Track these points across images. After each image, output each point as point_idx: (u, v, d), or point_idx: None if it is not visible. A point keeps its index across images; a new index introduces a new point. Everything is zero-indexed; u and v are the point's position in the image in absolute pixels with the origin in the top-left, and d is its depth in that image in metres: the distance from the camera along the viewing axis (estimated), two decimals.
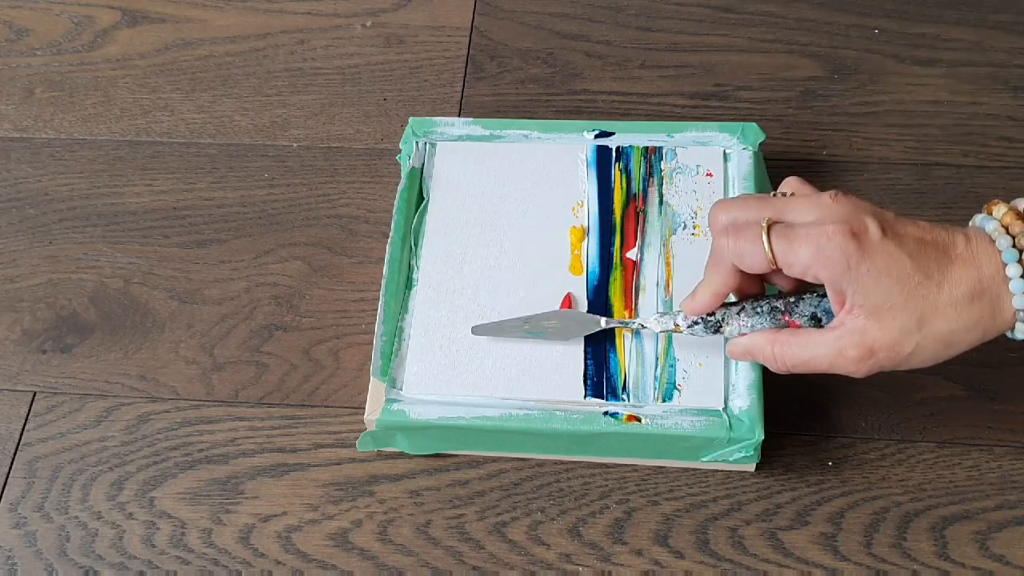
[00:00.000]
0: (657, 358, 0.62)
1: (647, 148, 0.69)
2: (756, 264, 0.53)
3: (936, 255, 0.51)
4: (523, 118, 0.75)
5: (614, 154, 0.69)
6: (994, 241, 0.52)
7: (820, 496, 0.61)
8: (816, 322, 0.56)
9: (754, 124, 0.69)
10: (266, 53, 0.81)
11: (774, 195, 0.56)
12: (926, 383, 0.64)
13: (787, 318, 0.56)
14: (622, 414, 0.60)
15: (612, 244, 0.66)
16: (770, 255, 0.52)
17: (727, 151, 0.69)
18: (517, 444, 0.62)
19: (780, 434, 0.63)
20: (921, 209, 0.71)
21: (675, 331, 0.59)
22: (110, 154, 0.77)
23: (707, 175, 0.68)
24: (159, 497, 0.63)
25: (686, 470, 0.62)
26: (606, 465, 0.63)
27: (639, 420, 0.60)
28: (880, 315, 0.51)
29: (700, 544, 0.60)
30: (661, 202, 0.67)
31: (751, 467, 0.62)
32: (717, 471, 0.62)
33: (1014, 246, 0.51)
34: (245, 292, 0.70)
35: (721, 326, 0.57)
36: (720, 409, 0.60)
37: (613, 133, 0.70)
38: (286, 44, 0.82)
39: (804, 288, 0.56)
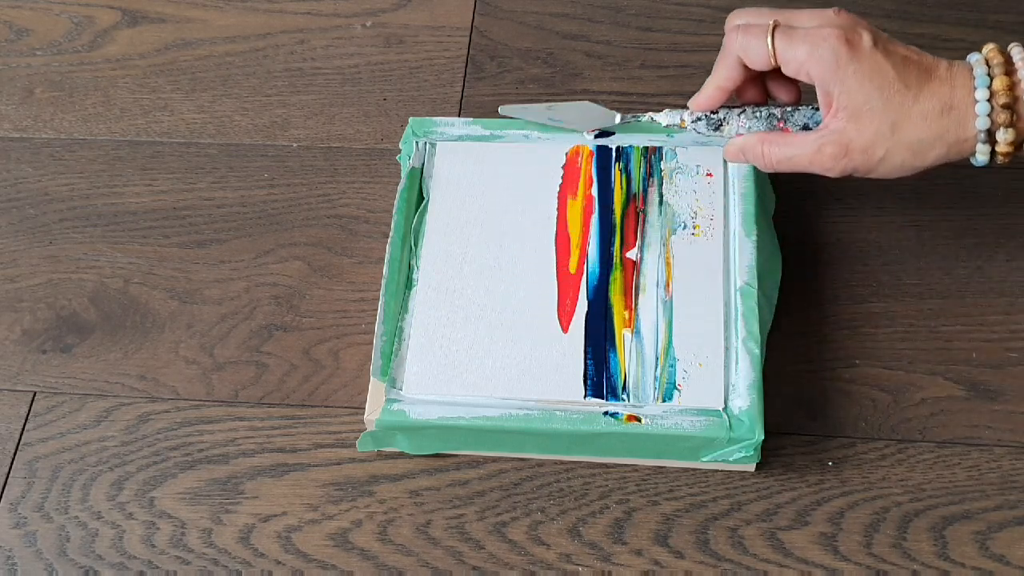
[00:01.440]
0: (657, 358, 0.62)
1: (647, 148, 0.69)
2: (758, 58, 0.59)
3: (918, 72, 0.57)
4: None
5: (614, 154, 0.69)
6: (972, 69, 0.57)
7: (820, 496, 0.61)
8: (806, 131, 0.61)
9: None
10: (266, 53, 0.81)
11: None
12: (926, 383, 0.65)
13: (782, 124, 0.62)
14: (622, 414, 0.60)
15: (612, 244, 0.66)
16: (771, 51, 0.58)
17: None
18: (517, 444, 0.62)
19: (780, 434, 0.63)
20: (921, 210, 0.71)
21: (680, 126, 0.64)
22: (110, 154, 0.77)
23: (707, 175, 0.68)
24: (159, 497, 0.63)
25: (686, 470, 0.62)
26: (606, 465, 0.63)
27: (639, 420, 0.60)
28: (859, 117, 0.57)
29: (700, 544, 0.60)
30: (661, 202, 0.67)
31: (751, 467, 0.62)
32: (717, 471, 0.62)
33: (988, 74, 0.56)
34: (245, 292, 0.70)
35: (722, 125, 0.63)
36: (720, 409, 0.60)
37: (613, 133, 0.70)
38: (286, 44, 0.82)
39: (804, 104, 0.62)
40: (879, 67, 0.56)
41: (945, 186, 0.72)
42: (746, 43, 0.59)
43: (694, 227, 0.66)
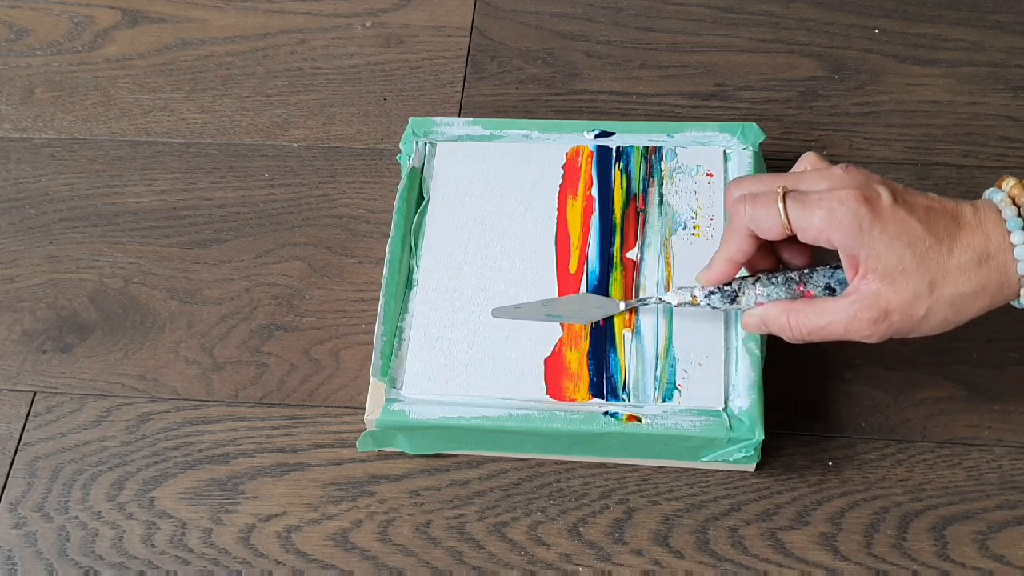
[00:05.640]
0: (657, 358, 0.62)
1: (647, 148, 0.69)
2: (771, 228, 0.55)
3: (945, 222, 0.53)
4: (523, 118, 0.75)
5: (614, 154, 0.69)
6: (1000, 211, 0.53)
7: (820, 496, 0.61)
8: (830, 292, 0.57)
9: (754, 124, 0.69)
10: (266, 53, 0.81)
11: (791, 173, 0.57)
12: (926, 383, 0.65)
13: (802, 288, 0.57)
14: (622, 414, 0.60)
15: (612, 244, 0.66)
16: (785, 220, 0.54)
17: (727, 151, 0.69)
18: (517, 444, 0.62)
19: (780, 434, 0.63)
20: None
21: (692, 303, 0.59)
22: (110, 154, 0.77)
23: (707, 175, 0.68)
24: (159, 497, 0.63)
25: (686, 470, 0.62)
26: (606, 465, 0.63)
27: (639, 420, 0.60)
28: (893, 278, 0.53)
29: (700, 544, 0.60)
30: (661, 202, 0.67)
31: (751, 467, 0.62)
32: (717, 471, 0.62)
33: (1020, 215, 0.53)
34: (245, 292, 0.70)
35: (738, 296, 0.58)
36: (720, 409, 0.60)
37: (613, 133, 0.70)
38: (286, 44, 0.82)
39: (818, 263, 0.58)
40: (905, 224, 0.52)
41: (945, 186, 0.72)
42: (756, 214, 0.55)
43: (694, 227, 0.66)
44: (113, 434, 0.65)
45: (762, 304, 0.58)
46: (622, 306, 0.63)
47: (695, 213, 0.67)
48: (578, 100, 0.78)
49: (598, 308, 0.63)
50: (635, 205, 0.67)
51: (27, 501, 0.63)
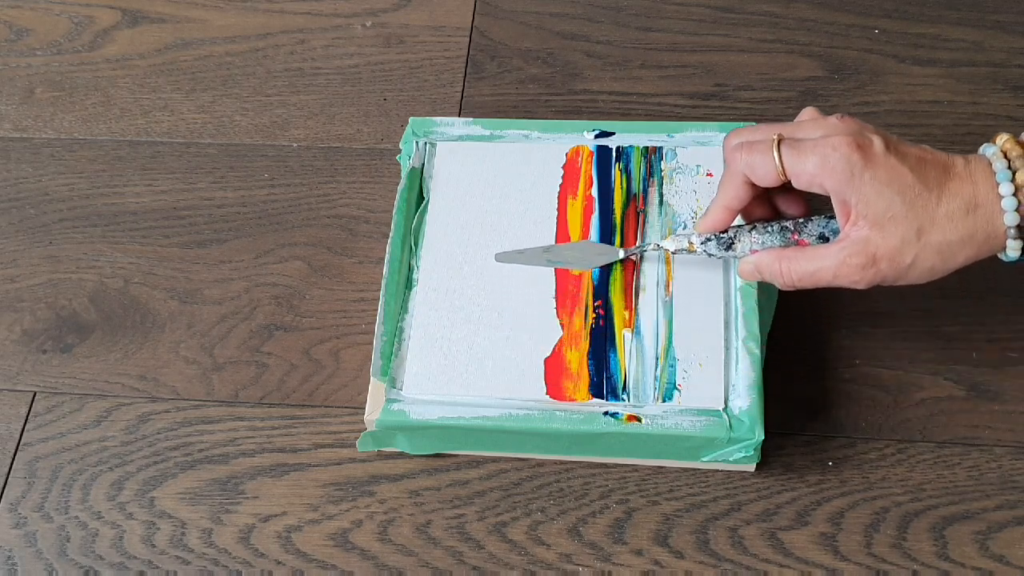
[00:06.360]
0: (657, 358, 0.62)
1: (647, 148, 0.69)
2: (766, 175, 0.56)
3: (936, 172, 0.54)
4: (523, 118, 0.75)
5: (614, 154, 0.69)
6: (991, 163, 0.54)
7: (820, 496, 0.61)
8: (824, 241, 0.58)
9: (754, 124, 0.69)
10: (266, 53, 0.81)
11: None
12: (926, 383, 0.65)
13: (796, 237, 0.59)
14: (622, 414, 0.60)
15: (612, 244, 0.66)
16: (779, 166, 0.55)
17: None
18: (517, 444, 0.62)
19: (780, 434, 0.63)
20: None
21: (689, 250, 0.61)
22: (110, 154, 0.77)
23: (707, 175, 0.68)
24: (159, 497, 0.63)
25: (686, 470, 0.62)
26: (606, 465, 0.63)
27: (639, 420, 0.60)
28: (882, 225, 0.54)
29: (700, 544, 0.60)
30: (661, 202, 0.67)
31: (751, 467, 0.62)
32: (717, 471, 0.62)
33: (1009, 168, 0.54)
34: (245, 292, 0.70)
35: (733, 243, 0.60)
36: (720, 409, 0.60)
37: (613, 133, 0.70)
38: (286, 44, 0.82)
39: (814, 214, 0.59)
40: (896, 171, 0.54)
41: None
42: (751, 161, 0.56)
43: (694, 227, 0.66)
44: (113, 434, 0.65)
45: (757, 252, 0.59)
46: (622, 253, 0.64)
47: (695, 213, 0.67)
48: (578, 100, 0.78)
49: (599, 255, 0.64)
50: (635, 205, 0.67)
51: (27, 501, 0.63)
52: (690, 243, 0.61)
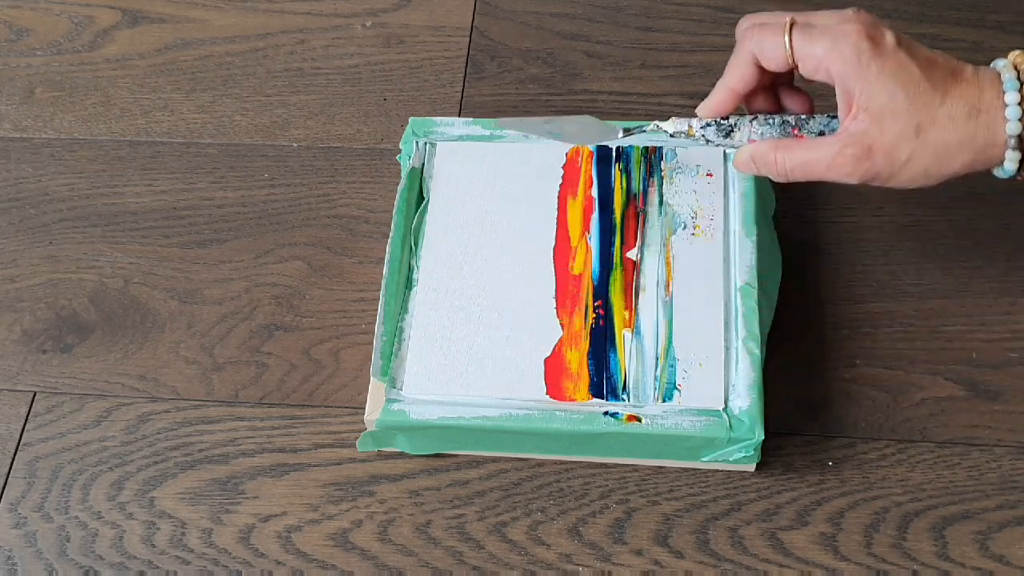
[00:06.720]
0: (657, 358, 0.62)
1: (647, 148, 0.69)
2: (775, 57, 0.56)
3: (943, 73, 0.54)
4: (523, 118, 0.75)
5: (614, 154, 0.69)
6: (1000, 74, 0.54)
7: (820, 496, 0.61)
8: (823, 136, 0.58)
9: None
10: (266, 53, 0.81)
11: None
12: (926, 383, 0.65)
13: (796, 132, 0.59)
14: (622, 414, 0.60)
15: (612, 244, 0.66)
16: (788, 48, 0.55)
17: (727, 151, 0.69)
18: (517, 444, 0.62)
19: (780, 434, 0.63)
20: (921, 209, 0.71)
21: (688, 134, 0.60)
22: (110, 154, 0.77)
23: (707, 175, 0.68)
24: (159, 497, 0.63)
25: (686, 470, 0.62)
26: (606, 465, 0.63)
27: (639, 420, 0.60)
28: (882, 117, 0.54)
29: (700, 544, 0.60)
30: (661, 202, 0.67)
31: (751, 467, 0.62)
32: (717, 471, 0.62)
33: (1018, 79, 0.54)
34: (245, 292, 0.70)
35: (733, 131, 0.59)
36: (720, 409, 0.60)
37: None
38: (286, 44, 0.82)
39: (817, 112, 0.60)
40: (903, 65, 0.54)
41: (946, 186, 0.72)
42: (761, 41, 0.56)
43: (694, 227, 0.66)
44: (113, 434, 0.65)
45: (754, 141, 0.59)
46: (620, 132, 0.64)
47: (695, 213, 0.67)
48: (578, 100, 0.78)
49: (598, 132, 0.64)
50: (635, 205, 0.67)
51: (27, 501, 0.63)
52: (690, 127, 0.60)
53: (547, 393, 0.61)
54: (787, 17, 0.56)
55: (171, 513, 0.62)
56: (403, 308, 0.64)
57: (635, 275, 0.65)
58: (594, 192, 0.68)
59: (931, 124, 0.54)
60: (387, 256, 0.65)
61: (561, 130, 0.65)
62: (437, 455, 0.63)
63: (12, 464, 0.64)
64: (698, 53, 0.79)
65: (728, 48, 0.79)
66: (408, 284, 0.65)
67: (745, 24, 0.59)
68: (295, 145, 0.77)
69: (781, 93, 0.61)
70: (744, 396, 0.60)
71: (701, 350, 0.62)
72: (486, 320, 0.63)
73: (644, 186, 0.68)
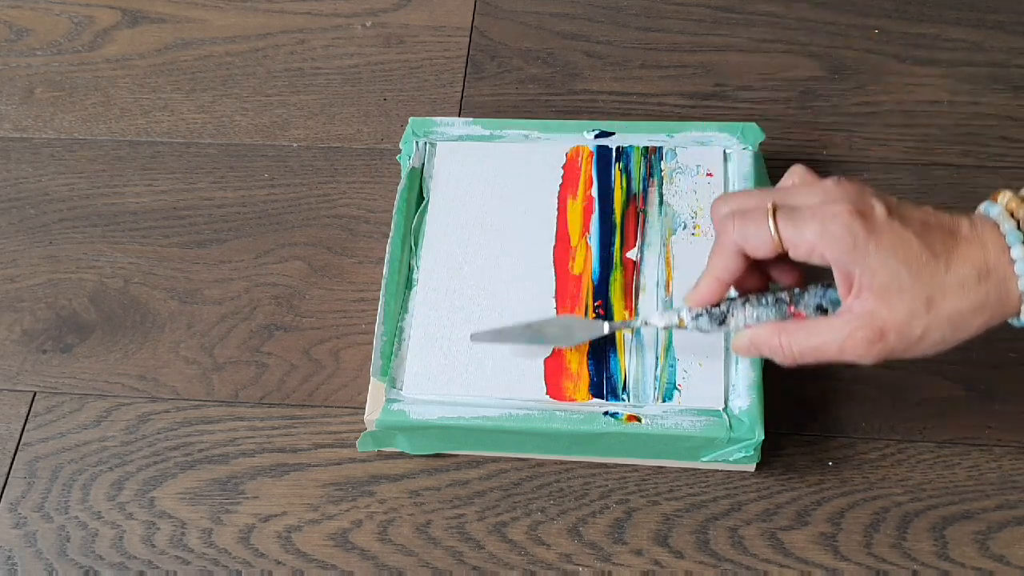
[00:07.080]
0: (657, 358, 0.62)
1: (647, 148, 0.69)
2: (761, 246, 0.52)
3: (941, 236, 0.51)
4: (523, 118, 0.75)
5: (614, 154, 0.69)
6: (998, 225, 0.51)
7: (820, 496, 0.61)
8: (822, 313, 0.55)
9: (754, 124, 0.69)
10: (266, 53, 0.81)
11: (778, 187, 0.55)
12: (926, 383, 0.65)
13: (792, 309, 0.55)
14: (622, 414, 0.60)
15: (612, 244, 0.66)
16: (776, 236, 0.52)
17: (727, 151, 0.69)
18: (517, 444, 0.62)
19: (780, 434, 0.63)
20: None
21: (679, 326, 0.57)
22: (110, 154, 0.77)
23: (707, 175, 0.68)
24: (159, 497, 0.63)
25: (686, 470, 0.62)
26: (606, 465, 0.63)
27: (639, 420, 0.60)
28: (888, 296, 0.50)
29: (700, 544, 0.60)
30: (661, 202, 0.67)
31: (751, 467, 0.62)
32: (717, 471, 0.62)
33: (1019, 228, 0.51)
34: (245, 292, 0.70)
35: (726, 317, 0.56)
36: (720, 409, 0.60)
37: (613, 133, 0.70)
38: (286, 44, 0.82)
39: (808, 283, 0.56)
40: (901, 239, 0.50)
41: (945, 186, 0.72)
42: (745, 231, 0.52)
43: (694, 227, 0.66)
44: (113, 434, 0.65)
45: (751, 326, 0.55)
46: (606, 328, 0.60)
47: (695, 213, 0.67)
48: (578, 100, 0.78)
49: (583, 330, 0.61)
50: (635, 205, 0.67)
51: (27, 501, 0.63)
52: (680, 319, 0.57)
53: (547, 393, 0.61)
54: (767, 201, 0.52)
55: (171, 513, 0.62)
56: (403, 308, 0.64)
57: (635, 275, 0.65)
58: (594, 192, 0.68)
59: (941, 295, 0.50)
60: (387, 256, 0.65)
61: (543, 334, 0.61)
62: (437, 455, 0.63)
63: (12, 464, 0.64)
64: (698, 53, 0.79)
65: (728, 48, 0.80)
66: (408, 284, 0.65)
67: (723, 210, 0.55)
68: (295, 145, 0.77)
69: (768, 266, 0.56)
70: (744, 396, 0.60)
71: (701, 350, 0.62)
72: (486, 320, 0.63)
73: (644, 186, 0.68)
